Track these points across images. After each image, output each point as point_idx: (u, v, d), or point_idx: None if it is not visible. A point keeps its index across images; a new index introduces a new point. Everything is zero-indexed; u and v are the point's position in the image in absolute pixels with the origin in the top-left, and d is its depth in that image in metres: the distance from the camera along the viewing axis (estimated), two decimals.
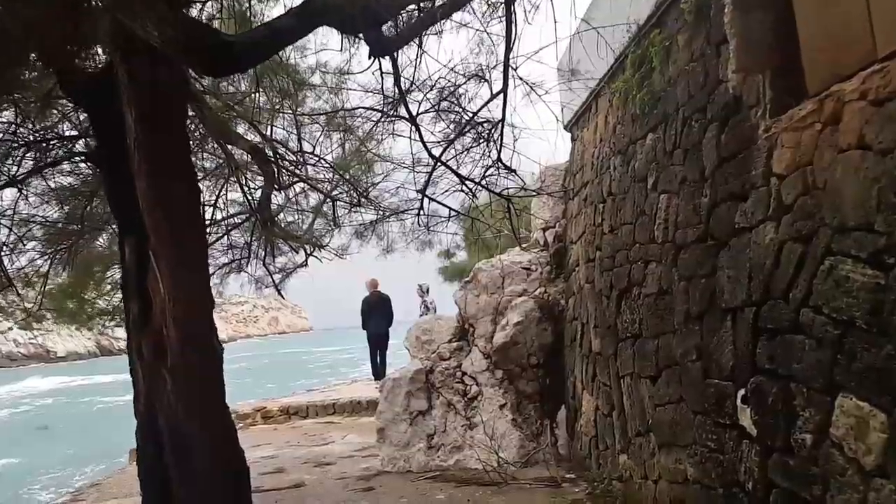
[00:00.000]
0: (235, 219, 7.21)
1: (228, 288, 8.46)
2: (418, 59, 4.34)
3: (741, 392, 3.53)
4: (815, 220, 2.89)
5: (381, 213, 6.54)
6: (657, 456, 4.83)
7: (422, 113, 5.04)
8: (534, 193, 5.77)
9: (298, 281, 8.40)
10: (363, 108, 5.41)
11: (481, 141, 5.33)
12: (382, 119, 5.18)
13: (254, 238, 7.72)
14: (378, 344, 14.05)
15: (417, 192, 5.64)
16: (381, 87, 4.73)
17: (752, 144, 3.54)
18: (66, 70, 4.11)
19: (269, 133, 6.18)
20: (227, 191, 6.72)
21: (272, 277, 7.83)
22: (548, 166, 8.82)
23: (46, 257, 6.93)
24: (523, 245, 8.86)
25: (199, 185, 5.82)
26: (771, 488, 3.18)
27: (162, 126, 3.91)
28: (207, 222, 7.02)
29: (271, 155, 6.48)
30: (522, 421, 7.77)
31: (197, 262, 4.27)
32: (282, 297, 8.25)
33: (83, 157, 5.81)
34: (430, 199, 5.75)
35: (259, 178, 6.74)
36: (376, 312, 12.63)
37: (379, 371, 13.08)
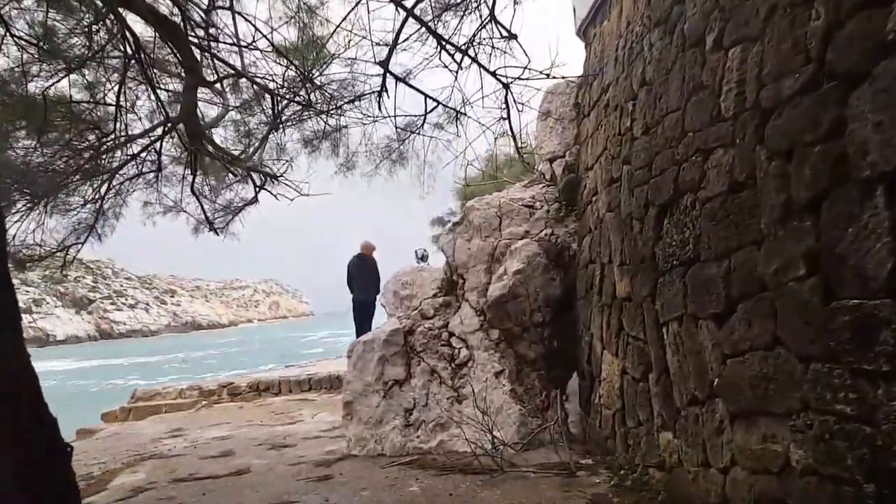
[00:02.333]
0: (150, 135, 5.53)
1: (159, 228, 6.80)
2: None
3: None
4: None
5: (330, 105, 4.84)
6: (728, 432, 3.22)
7: None
8: (543, 75, 4.05)
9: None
10: None
11: None
12: None
13: (186, 164, 6.05)
14: (364, 312, 12.37)
15: (378, 64, 3.96)
16: None
17: None
18: None
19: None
20: (126, 88, 5.03)
21: (206, 213, 6.17)
22: (555, 84, 7.14)
23: None
24: (526, 179, 7.21)
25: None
26: None
27: None
28: (110, 138, 5.39)
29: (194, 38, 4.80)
30: (523, 392, 6.16)
31: None
32: (215, 232, 6.58)
33: None
34: (396, 78, 4.07)
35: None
36: (362, 277, 10.79)
37: None
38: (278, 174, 6.69)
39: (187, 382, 12.97)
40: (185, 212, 7.03)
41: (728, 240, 3.29)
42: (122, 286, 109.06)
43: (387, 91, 4.03)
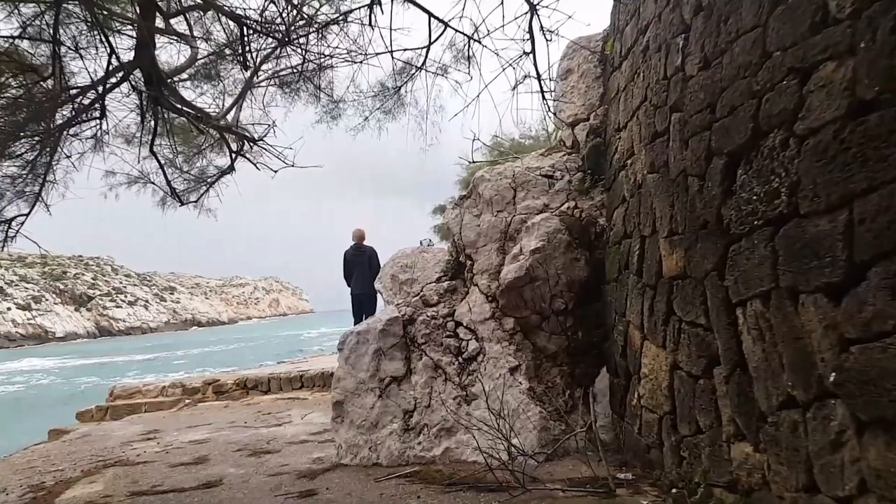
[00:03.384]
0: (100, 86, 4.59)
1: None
2: None
3: None
4: None
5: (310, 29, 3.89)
6: (854, 447, 2.30)
7: None
8: None
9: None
10: None
11: None
12: None
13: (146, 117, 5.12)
14: (362, 306, 11.40)
15: None
16: None
17: None
18: None
19: None
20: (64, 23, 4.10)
21: (167, 179, 5.26)
22: (577, 38, 6.22)
23: None
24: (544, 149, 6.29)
25: None
26: None
27: None
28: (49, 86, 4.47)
29: None
30: (543, 392, 5.26)
31: None
32: (180, 201, 5.68)
33: None
34: None
35: None
36: (359, 268, 9.79)
37: None
38: (257, 138, 5.81)
39: (170, 379, 12.07)
40: (152, 184, 6.16)
41: (848, 182, 2.37)
42: (121, 283, 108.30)
43: (380, 4, 3.11)
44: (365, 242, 9.55)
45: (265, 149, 5.92)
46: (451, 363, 5.52)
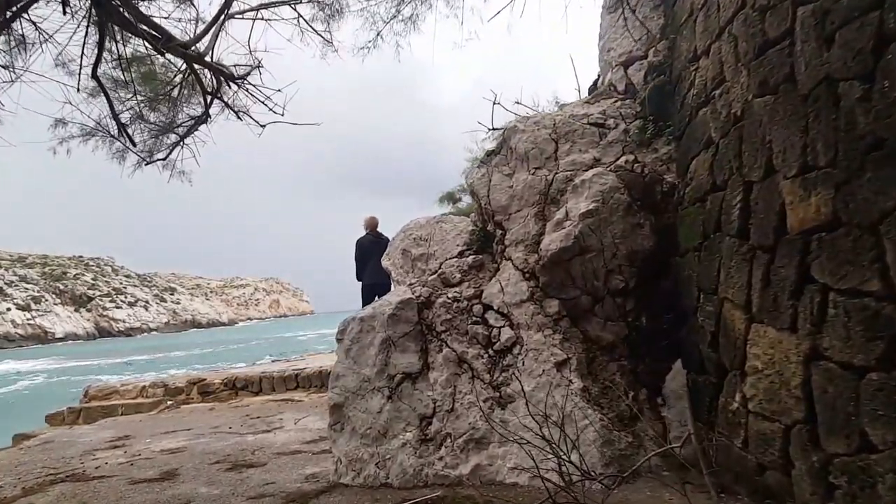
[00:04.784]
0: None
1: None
2: None
3: None
4: None
5: None
6: None
7: None
8: None
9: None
10: None
11: None
12: None
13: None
14: (375, 298, 9.89)
15: None
16: None
17: None
18: None
19: None
20: None
21: (114, 112, 4.11)
22: None
23: None
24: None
25: None
26: None
27: None
28: None
29: None
30: (600, 393, 4.10)
31: None
32: (143, 159, 4.56)
33: None
34: None
35: None
36: (374, 258, 8.43)
37: None
38: (237, 76, 4.68)
39: (151, 378, 10.92)
40: (111, 136, 5.02)
41: None
42: (121, 284, 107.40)
43: None
44: (378, 229, 8.36)
45: (250, 93, 4.83)
46: (480, 356, 4.37)
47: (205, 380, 9.98)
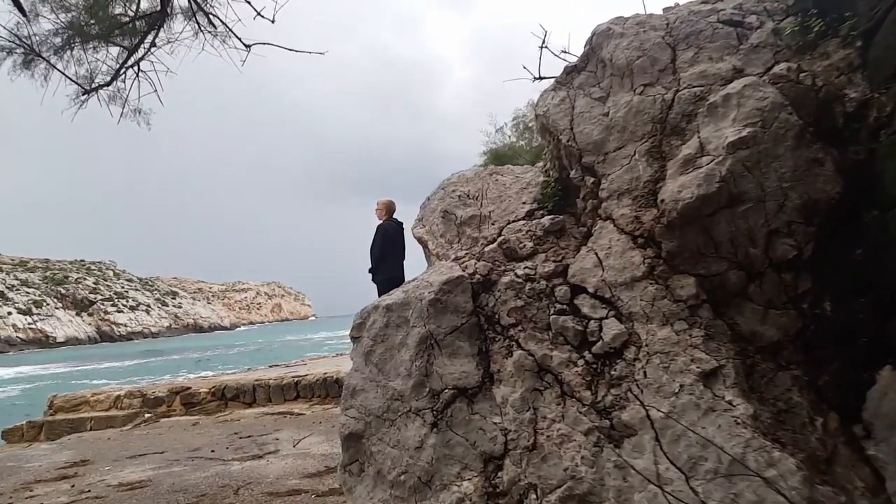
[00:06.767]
0: None
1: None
2: None
3: None
4: None
5: None
6: None
7: None
8: None
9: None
10: None
11: None
12: None
13: None
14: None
15: None
16: None
17: None
18: None
19: None
20: None
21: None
22: None
23: None
24: None
25: None
26: None
27: None
28: None
29: None
30: (772, 421, 2.59)
31: None
32: (84, 90, 3.12)
33: None
34: None
35: None
36: (395, 248, 6.79)
37: None
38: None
39: (127, 387, 9.42)
40: (51, 65, 3.59)
41: None
42: (123, 287, 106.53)
43: None
44: (395, 215, 6.86)
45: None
46: (572, 363, 2.88)
47: (189, 388, 8.47)
